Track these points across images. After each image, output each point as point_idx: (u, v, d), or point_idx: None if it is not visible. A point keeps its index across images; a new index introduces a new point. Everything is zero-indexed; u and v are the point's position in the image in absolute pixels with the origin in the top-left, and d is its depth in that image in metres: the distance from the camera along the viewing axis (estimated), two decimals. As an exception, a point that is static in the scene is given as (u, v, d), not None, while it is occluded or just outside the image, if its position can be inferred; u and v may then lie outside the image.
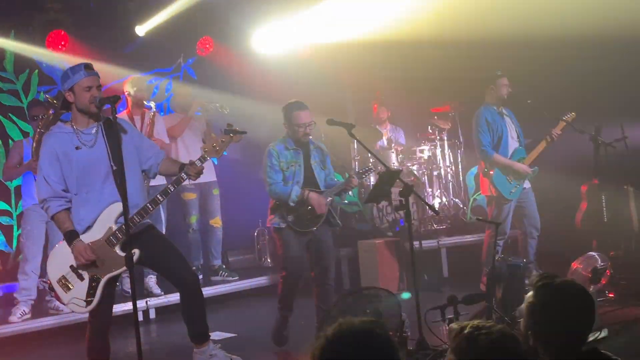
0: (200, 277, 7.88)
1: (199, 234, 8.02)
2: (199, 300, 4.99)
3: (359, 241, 8.20)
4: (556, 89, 8.38)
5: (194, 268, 7.90)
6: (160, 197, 4.67)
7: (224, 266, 8.24)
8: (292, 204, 5.73)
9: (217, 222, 8.13)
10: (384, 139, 9.43)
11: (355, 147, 9.28)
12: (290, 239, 5.83)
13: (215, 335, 5.79)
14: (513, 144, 7.29)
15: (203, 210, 8.06)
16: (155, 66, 9.01)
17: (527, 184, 7.35)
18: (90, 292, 4.54)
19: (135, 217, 4.58)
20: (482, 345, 2.13)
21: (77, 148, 4.55)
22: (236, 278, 8.14)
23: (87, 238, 4.56)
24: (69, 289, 4.54)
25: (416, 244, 6.92)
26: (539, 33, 8.49)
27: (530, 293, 2.60)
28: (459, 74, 8.97)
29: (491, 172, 7.18)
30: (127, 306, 6.77)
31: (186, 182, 7.01)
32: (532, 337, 2.51)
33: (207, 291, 7.05)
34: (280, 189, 5.77)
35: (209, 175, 7.86)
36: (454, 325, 2.25)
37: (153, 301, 7.38)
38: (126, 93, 7.39)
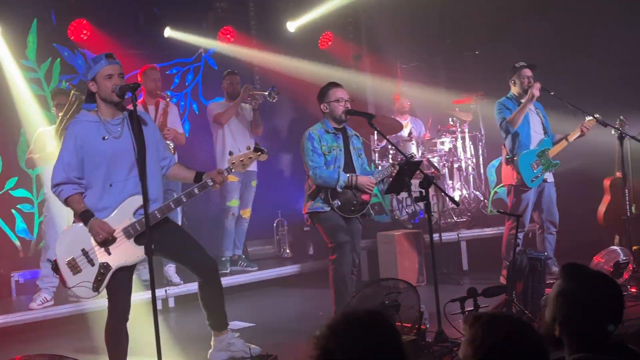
0: (228, 270, 7.93)
1: (234, 222, 8.03)
2: (217, 287, 5.02)
3: (378, 233, 8.17)
4: (580, 80, 8.29)
5: (226, 258, 7.92)
6: (184, 198, 4.72)
7: (243, 256, 8.25)
8: (339, 189, 5.69)
9: (247, 213, 8.15)
10: (405, 130, 9.38)
11: (375, 138, 9.24)
12: (338, 220, 5.76)
13: (233, 324, 5.80)
14: (536, 137, 7.21)
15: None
16: (176, 56, 9.02)
17: (550, 178, 7.28)
18: (99, 278, 4.54)
19: (156, 213, 4.60)
20: (500, 333, 2.09)
21: (104, 138, 4.56)
22: (255, 268, 8.15)
23: None
24: (78, 272, 4.53)
25: (436, 236, 6.91)
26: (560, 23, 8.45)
27: (559, 281, 2.51)
28: (483, 63, 8.95)
29: (516, 158, 7.11)
30: (147, 295, 6.76)
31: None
32: (557, 326, 2.45)
33: (226, 281, 7.06)
34: (326, 172, 5.70)
35: (252, 164, 7.87)
36: (469, 316, 2.20)
37: (172, 290, 7.41)
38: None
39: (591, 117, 7.10)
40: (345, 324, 1.99)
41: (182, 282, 7.47)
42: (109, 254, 4.56)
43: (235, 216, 7.99)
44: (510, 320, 2.16)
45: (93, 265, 4.56)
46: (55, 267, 4.53)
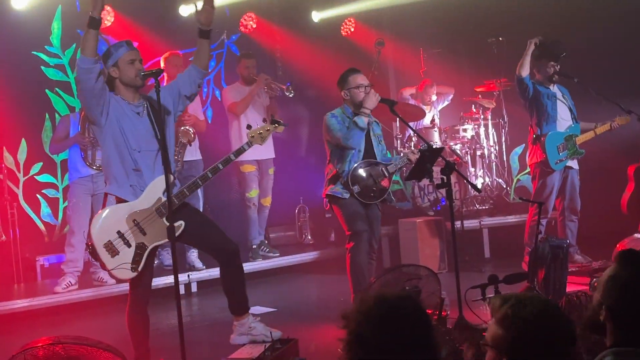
0: (260, 257, 7.99)
1: (256, 211, 8.06)
2: (238, 271, 5.07)
3: (400, 220, 8.16)
4: (604, 66, 8.21)
5: (254, 246, 7.96)
6: (210, 174, 4.83)
7: (265, 241, 8.29)
8: (361, 127, 5.66)
9: (267, 201, 8.17)
10: (427, 117, 9.33)
11: (397, 124, 9.22)
12: (357, 208, 5.78)
13: (255, 309, 5.84)
14: (564, 123, 7.18)
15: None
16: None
17: (575, 165, 7.24)
18: (136, 259, 4.61)
19: (185, 190, 4.69)
20: (530, 313, 2.09)
21: (138, 114, 4.64)
22: (277, 254, 8.19)
23: (136, 206, 4.64)
24: (116, 254, 4.58)
25: (457, 223, 6.90)
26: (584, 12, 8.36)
27: (613, 265, 2.44)
28: (506, 49, 8.88)
29: (543, 138, 7.09)
30: (169, 279, 6.87)
31: (244, 157, 7.18)
32: (604, 311, 2.38)
33: (247, 267, 7.10)
34: (352, 131, 5.67)
35: (268, 151, 7.92)
36: (495, 299, 2.20)
37: (195, 275, 7.47)
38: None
39: (627, 116, 7.11)
40: (377, 308, 1.99)
41: (204, 267, 7.53)
42: (144, 234, 4.64)
43: (256, 206, 8.02)
44: (539, 299, 2.16)
45: (130, 246, 4.61)
46: (93, 251, 4.58)
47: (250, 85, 7.84)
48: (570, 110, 7.27)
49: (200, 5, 4.83)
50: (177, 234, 4.58)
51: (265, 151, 7.75)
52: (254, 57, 8.14)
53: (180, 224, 4.65)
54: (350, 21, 10.06)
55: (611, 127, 7.22)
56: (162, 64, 7.46)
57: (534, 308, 2.11)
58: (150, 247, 4.66)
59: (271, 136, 7.75)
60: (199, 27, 4.81)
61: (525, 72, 7.05)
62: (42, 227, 7.94)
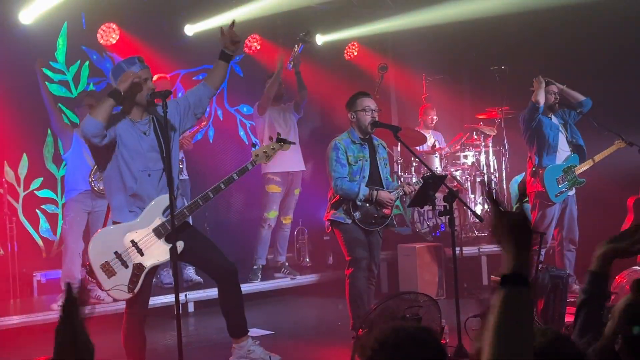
0: (259, 279, 7.94)
1: (270, 232, 8.05)
2: (237, 292, 5.06)
3: (399, 245, 8.16)
4: (605, 96, 8.26)
5: (257, 267, 7.93)
6: (211, 194, 4.81)
7: (287, 263, 8.26)
8: (359, 202, 5.71)
9: (288, 219, 8.18)
10: (427, 142, 9.35)
11: (398, 150, 9.24)
12: (357, 234, 5.78)
13: (252, 332, 5.80)
14: (563, 154, 7.22)
15: (280, 205, 8.08)
16: (202, 62, 9.07)
17: (571, 191, 7.27)
18: (133, 279, 4.60)
19: (185, 210, 4.68)
20: (537, 346, 2.07)
21: (144, 133, 4.63)
22: (297, 275, 8.17)
23: (134, 226, 4.63)
24: (113, 275, 4.58)
25: (457, 250, 6.84)
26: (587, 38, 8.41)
27: (629, 295, 2.39)
28: (509, 77, 8.92)
29: (541, 171, 7.12)
30: (166, 299, 6.84)
31: (273, 175, 7.10)
32: (620, 341, 2.33)
33: (245, 288, 7.06)
34: (347, 185, 5.71)
35: (299, 164, 8.00)
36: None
37: (192, 294, 7.43)
38: None
39: (620, 141, 7.13)
40: (395, 338, 1.98)
41: (202, 280, 7.50)
42: (142, 254, 4.62)
43: (271, 227, 8.00)
44: (545, 333, 2.14)
45: (127, 267, 4.61)
46: (90, 271, 4.58)
47: (278, 101, 7.94)
48: (568, 140, 7.31)
49: (229, 31, 4.80)
50: (177, 254, 4.57)
51: (296, 163, 7.83)
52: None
53: (179, 244, 4.62)
54: (353, 45, 10.11)
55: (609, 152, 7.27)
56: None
57: (543, 340, 2.10)
58: (148, 268, 4.64)
59: (300, 148, 7.80)
60: (223, 49, 4.82)
61: (542, 100, 7.09)
62: (40, 242, 7.90)
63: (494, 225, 1.94)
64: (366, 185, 5.76)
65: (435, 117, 9.50)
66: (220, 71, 4.91)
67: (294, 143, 5.24)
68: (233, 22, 4.80)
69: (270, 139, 5.12)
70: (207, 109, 8.96)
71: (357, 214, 5.72)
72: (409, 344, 1.97)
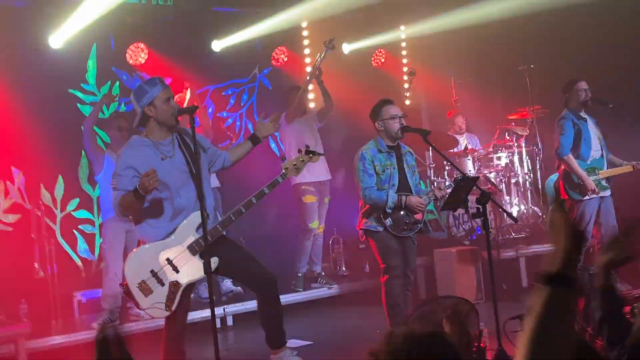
0: (302, 287, 7.97)
1: (311, 242, 8.06)
2: (276, 301, 5.05)
3: (435, 250, 8.09)
4: (635, 94, 8.14)
5: (300, 275, 7.95)
6: (243, 209, 4.83)
7: (323, 273, 8.26)
8: (388, 210, 5.69)
9: (321, 229, 8.20)
10: (460, 145, 9.29)
11: (430, 154, 9.19)
12: (390, 242, 5.78)
13: (291, 342, 5.79)
14: (593, 154, 7.10)
15: None
16: (231, 77, 9.14)
17: (607, 192, 7.15)
18: (171, 297, 4.62)
19: (218, 226, 4.69)
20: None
21: (162, 159, 4.65)
22: (334, 285, 8.16)
23: (169, 244, 4.67)
24: (150, 293, 4.61)
25: (494, 253, 6.78)
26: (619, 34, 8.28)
27: None
28: (538, 76, 8.83)
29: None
30: (205, 313, 6.84)
31: (307, 185, 7.12)
32: None
33: (282, 299, 7.08)
34: (376, 194, 5.71)
35: (325, 173, 8.07)
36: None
37: (231, 308, 7.45)
38: None
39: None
40: (407, 344, 1.96)
41: (242, 290, 7.54)
42: (177, 272, 4.64)
43: (315, 237, 8.05)
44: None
45: (163, 285, 4.63)
46: (127, 291, 4.60)
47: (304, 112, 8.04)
48: (599, 139, 7.19)
49: (264, 119, 4.94)
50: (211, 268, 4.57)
51: (324, 172, 7.90)
52: (297, 88, 8.14)
53: (214, 260, 4.60)
54: (380, 52, 10.10)
55: (634, 169, 7.14)
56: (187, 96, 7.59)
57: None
58: (184, 285, 4.66)
59: (324, 158, 7.83)
60: (256, 134, 5.02)
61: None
62: (79, 262, 8.00)
63: (551, 224, 1.91)
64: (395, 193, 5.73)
65: (462, 122, 9.43)
66: (244, 151, 5.11)
67: (323, 154, 5.26)
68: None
69: (299, 151, 5.12)
70: (238, 123, 9.11)
71: (388, 221, 5.70)
72: (419, 350, 1.95)
